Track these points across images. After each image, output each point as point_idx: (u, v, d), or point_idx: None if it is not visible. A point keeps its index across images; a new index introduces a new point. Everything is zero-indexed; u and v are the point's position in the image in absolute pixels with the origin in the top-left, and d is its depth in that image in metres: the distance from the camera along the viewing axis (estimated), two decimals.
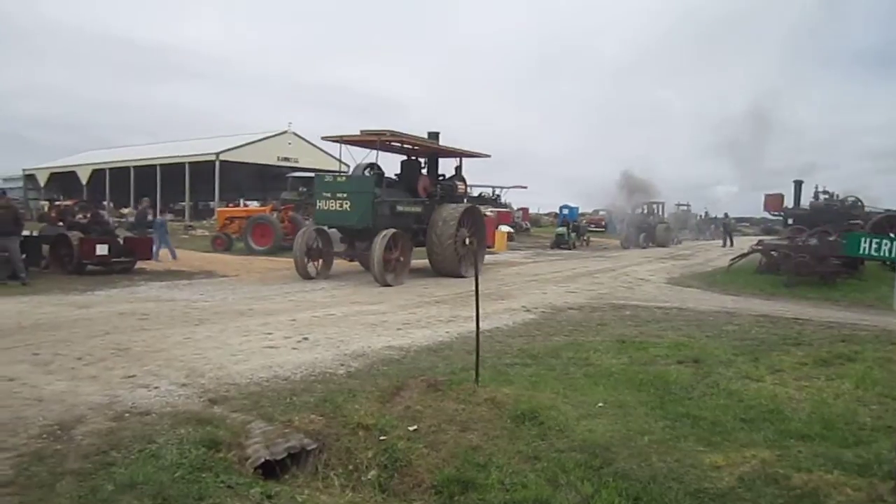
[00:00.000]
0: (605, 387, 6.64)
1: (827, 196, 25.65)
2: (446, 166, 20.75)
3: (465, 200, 38.91)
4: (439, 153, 19.96)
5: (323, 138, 18.55)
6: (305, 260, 16.50)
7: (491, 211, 37.21)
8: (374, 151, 17.50)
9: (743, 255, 21.85)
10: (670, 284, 18.30)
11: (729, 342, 9.25)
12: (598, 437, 5.18)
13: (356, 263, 18.22)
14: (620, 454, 4.93)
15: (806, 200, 25.88)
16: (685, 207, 56.34)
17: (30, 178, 64.70)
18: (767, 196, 27.07)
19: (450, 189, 19.88)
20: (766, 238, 28.00)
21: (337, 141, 17.85)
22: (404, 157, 19.49)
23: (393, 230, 15.93)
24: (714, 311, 12.50)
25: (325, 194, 16.62)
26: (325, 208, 16.61)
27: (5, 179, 71.96)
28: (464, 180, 20.85)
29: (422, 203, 18.48)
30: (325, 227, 17.33)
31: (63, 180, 60.69)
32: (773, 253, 20.05)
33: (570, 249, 33.70)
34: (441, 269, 18.05)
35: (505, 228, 38.78)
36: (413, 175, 18.96)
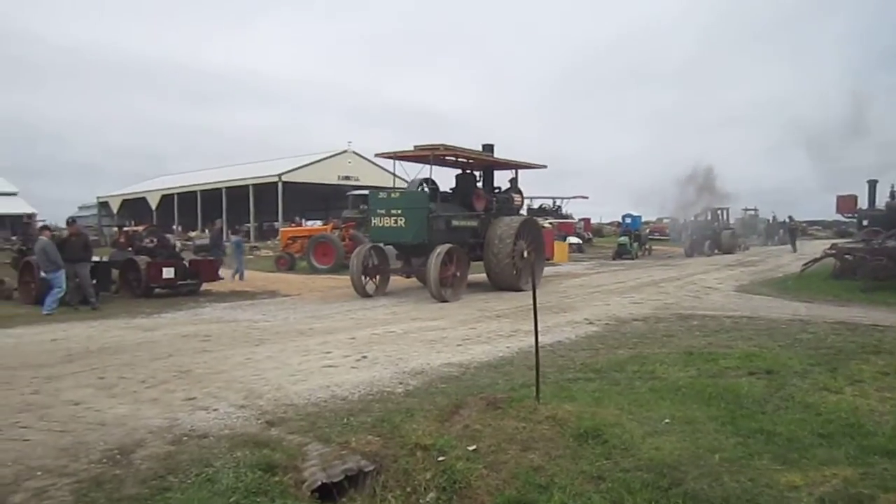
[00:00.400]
0: (672, 401, 6.37)
1: None
2: (504, 179, 20.57)
3: (526, 212, 38.74)
4: (494, 166, 19.68)
5: (377, 155, 18.58)
6: (362, 278, 16.43)
7: (550, 222, 36.95)
8: (429, 166, 17.43)
9: (816, 260, 21.04)
10: (739, 292, 17.71)
11: (804, 351, 8.82)
12: (665, 456, 4.94)
13: (414, 279, 18.15)
14: (690, 474, 4.68)
15: (881, 200, 24.79)
16: (752, 212, 54.77)
17: (104, 205, 67.22)
18: (840, 197, 26.04)
19: (506, 202, 19.56)
20: (840, 241, 26.85)
21: (391, 157, 17.82)
22: (459, 171, 19.42)
23: (449, 245, 15.78)
24: (787, 320, 12.00)
25: (379, 211, 16.58)
26: (380, 225, 16.55)
27: (81, 207, 75.01)
28: (520, 192, 20.59)
29: (478, 217, 18.19)
30: (382, 245, 17.27)
31: (134, 206, 62.84)
32: (847, 257, 19.24)
33: (632, 259, 32.90)
34: (499, 283, 17.72)
35: (574, 240, 38.54)
36: (468, 189, 18.71)
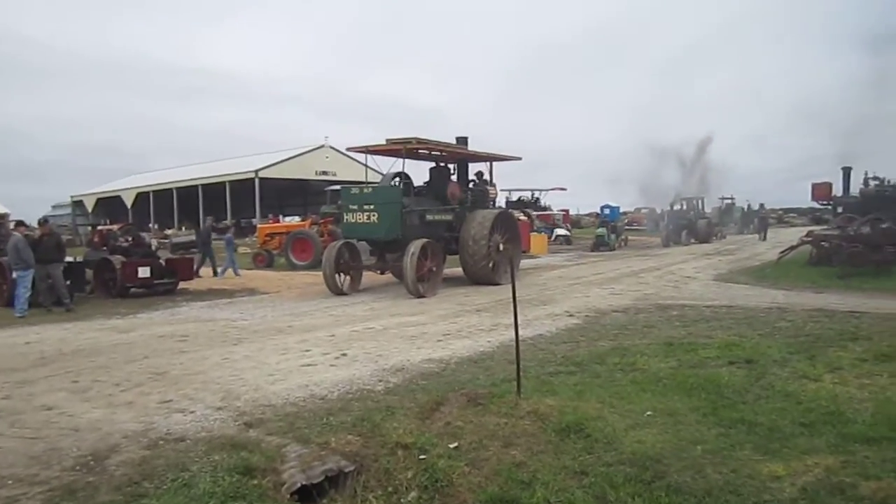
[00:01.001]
0: (653, 393, 6.36)
1: (877, 182, 24.79)
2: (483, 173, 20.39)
3: (505, 205, 38.54)
4: (468, 158, 19.46)
5: (348, 149, 18.27)
6: (335, 274, 16.16)
7: (530, 214, 37.02)
8: (403, 160, 17.13)
9: (793, 248, 21.22)
10: (718, 281, 17.83)
11: (783, 340, 8.88)
12: (647, 449, 4.92)
13: (389, 275, 17.92)
14: (672, 466, 4.66)
15: (855, 188, 25.06)
16: (729, 200, 55.16)
17: (78, 204, 66.36)
18: (815, 185, 26.31)
19: (481, 195, 19.38)
20: (816, 229, 27.12)
21: (363, 151, 17.64)
22: (433, 165, 19.16)
23: (424, 240, 15.61)
24: (765, 308, 12.07)
25: (351, 206, 16.30)
26: (353, 221, 16.28)
27: (55, 206, 74.02)
28: (493, 185, 20.52)
29: (452, 211, 18.02)
30: (355, 240, 17.14)
31: (109, 205, 62.11)
32: (823, 244, 19.42)
33: (611, 250, 32.65)
34: (475, 277, 17.52)
35: (561, 231, 38.65)
36: (442, 182, 18.45)
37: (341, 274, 16.57)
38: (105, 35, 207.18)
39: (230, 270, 21.40)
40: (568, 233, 39.86)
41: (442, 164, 18.98)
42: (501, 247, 17.74)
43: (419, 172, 19.02)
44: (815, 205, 29.78)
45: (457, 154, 18.69)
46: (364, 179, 19.11)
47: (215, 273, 21.66)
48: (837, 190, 25.35)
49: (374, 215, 15.88)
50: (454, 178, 19.03)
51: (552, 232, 39.33)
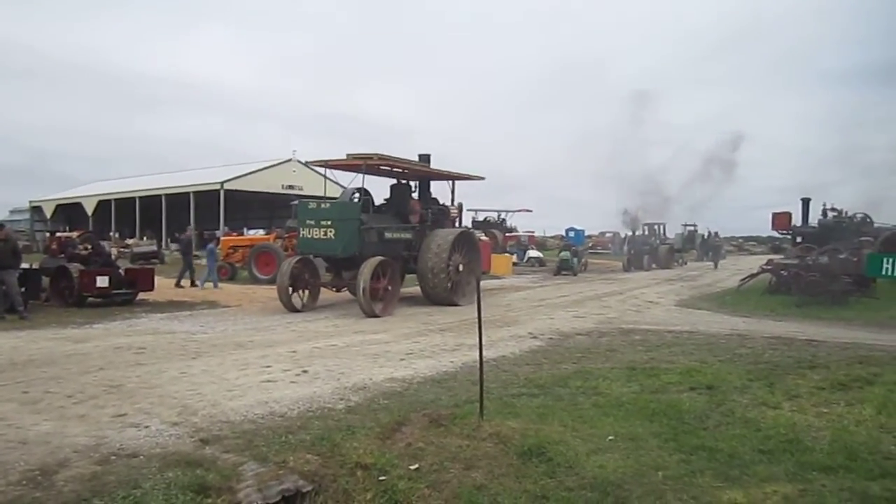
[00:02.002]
0: (615, 418, 6.37)
1: (835, 213, 25.35)
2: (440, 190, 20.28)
3: (471, 225, 38.43)
4: (430, 176, 19.23)
5: (308, 163, 17.94)
6: (290, 291, 15.72)
7: (491, 234, 37.10)
8: (363, 176, 16.90)
9: (753, 276, 21.58)
10: (679, 307, 18.04)
11: (742, 366, 8.97)
12: (609, 474, 4.91)
13: (348, 293, 17.64)
14: (634, 492, 4.66)
15: (814, 218, 25.57)
16: (692, 227, 55.93)
17: (36, 209, 64.90)
18: (775, 214, 26.75)
19: (442, 213, 19.16)
20: (776, 257, 27.61)
21: (322, 165, 17.24)
22: (394, 182, 18.91)
23: (380, 258, 15.27)
24: (725, 334, 12.22)
25: (308, 222, 15.91)
26: (309, 236, 15.90)
27: (12, 211, 72.38)
28: (460, 205, 20.50)
29: (412, 229, 17.72)
30: (311, 256, 16.71)
31: (69, 211, 60.86)
32: (783, 272, 19.76)
33: (574, 275, 31.60)
34: (433, 298, 17.21)
35: (534, 254, 38.52)
36: (403, 200, 18.20)
37: (298, 290, 16.26)
38: (70, 38, 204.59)
39: (209, 283, 21.27)
40: (541, 255, 39.81)
41: (403, 182, 18.81)
42: (461, 267, 17.51)
43: (382, 189, 18.78)
44: (776, 234, 30.21)
45: (418, 172, 18.44)
46: (332, 195, 18.76)
47: (193, 283, 21.47)
48: (797, 220, 25.83)
49: (330, 231, 15.57)
50: (415, 195, 18.80)
51: (524, 254, 39.39)
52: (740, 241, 78.17)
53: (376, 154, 16.06)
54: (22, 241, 41.79)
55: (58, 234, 32.77)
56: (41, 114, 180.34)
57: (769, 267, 21.20)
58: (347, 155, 16.57)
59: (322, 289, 17.05)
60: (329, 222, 15.62)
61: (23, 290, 14.28)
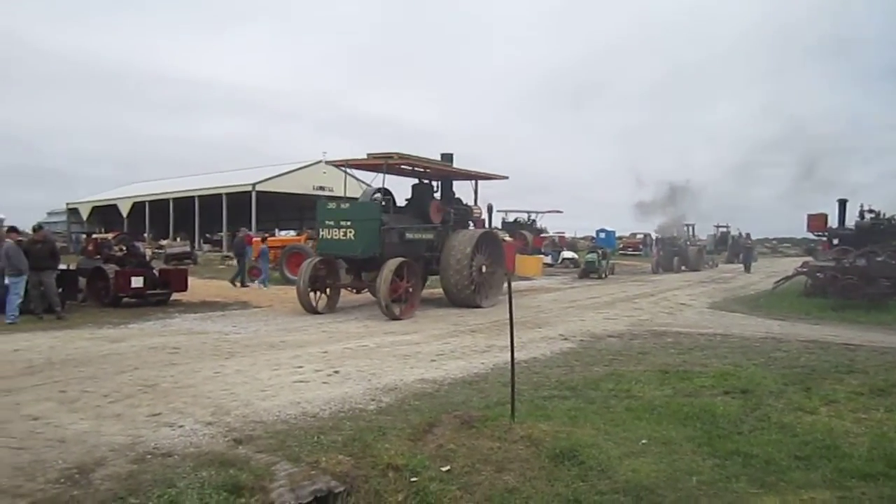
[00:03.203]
0: (648, 421, 6.30)
1: (873, 215, 24.86)
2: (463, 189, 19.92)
3: (501, 226, 38.06)
4: (453, 176, 18.85)
5: (328, 162, 17.60)
6: (309, 291, 15.44)
7: (521, 235, 36.91)
8: (383, 175, 16.54)
9: (788, 278, 21.25)
10: (712, 309, 17.82)
11: (778, 370, 8.84)
12: (642, 478, 4.86)
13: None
14: (667, 497, 4.61)
15: (851, 220, 25.10)
16: (724, 229, 55.29)
17: (73, 211, 66.02)
18: (810, 216, 26.30)
19: (465, 214, 18.84)
20: (811, 259, 27.15)
21: (342, 165, 17.16)
22: (416, 182, 18.60)
23: (401, 259, 15.01)
24: (760, 338, 12.05)
25: (328, 222, 15.67)
26: (329, 237, 15.66)
27: (49, 213, 73.72)
28: (489, 207, 20.26)
29: (434, 229, 17.34)
30: (332, 257, 16.38)
31: (105, 213, 61.83)
32: (819, 275, 19.42)
33: (600, 278, 30.47)
34: (455, 299, 16.92)
35: (568, 254, 38.08)
36: (424, 200, 17.82)
37: (317, 291, 16.00)
38: (105, 43, 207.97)
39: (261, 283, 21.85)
40: (575, 256, 39.33)
41: (425, 181, 18.53)
42: (484, 268, 17.28)
43: (405, 189, 18.47)
44: (811, 235, 29.69)
45: (441, 171, 18.14)
46: (356, 195, 18.57)
47: (244, 284, 22.07)
48: (833, 221, 25.38)
49: (350, 232, 15.32)
50: (437, 195, 18.48)
51: (558, 255, 39.09)
52: (774, 242, 77.09)
53: (397, 153, 15.79)
54: (59, 242, 42.63)
55: (94, 236, 33.30)
56: (77, 117, 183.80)
57: (804, 269, 20.85)
58: (368, 154, 16.41)
59: (343, 290, 16.87)
60: (349, 222, 15.41)
61: (60, 290, 14.56)
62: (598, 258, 31.30)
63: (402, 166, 17.04)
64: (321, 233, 15.98)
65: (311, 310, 15.32)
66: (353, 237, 15.27)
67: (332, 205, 16.37)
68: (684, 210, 41.76)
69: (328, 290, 16.31)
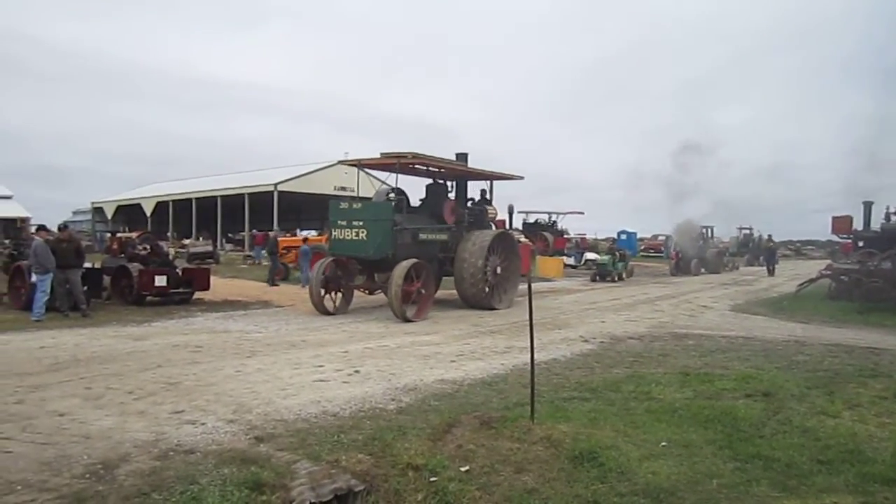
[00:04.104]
0: (668, 424, 6.28)
1: None
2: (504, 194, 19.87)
3: (522, 227, 37.64)
4: (467, 176, 18.59)
5: (340, 162, 17.32)
6: (322, 293, 15.28)
7: (541, 235, 36.69)
8: (397, 175, 16.51)
9: (811, 280, 21.03)
10: (734, 312, 17.68)
11: (801, 374, 8.77)
12: (662, 481, 4.85)
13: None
14: (687, 499, 4.60)
15: (876, 222, 24.77)
16: (747, 231, 54.74)
17: (98, 210, 66.87)
18: (835, 218, 25.99)
19: (479, 214, 18.57)
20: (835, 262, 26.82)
21: (355, 164, 16.91)
22: (430, 181, 18.38)
23: (414, 260, 14.77)
24: (783, 341, 11.95)
25: (340, 222, 15.46)
26: (340, 237, 15.45)
27: (75, 212, 74.75)
28: (510, 208, 20.02)
29: (448, 230, 17.14)
30: (345, 258, 16.08)
31: (129, 212, 62.56)
32: (843, 278, 19.21)
33: (613, 281, 29.44)
34: (470, 301, 16.68)
35: (591, 256, 37.50)
36: (438, 200, 17.61)
37: (330, 292, 15.84)
38: (128, 45, 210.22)
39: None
40: (598, 257, 38.84)
41: (440, 181, 18.29)
42: (499, 270, 17.11)
43: (421, 190, 18.29)
44: (835, 238, 29.33)
45: (455, 171, 17.87)
46: (372, 195, 18.38)
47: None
48: (858, 224, 25.06)
49: (362, 232, 15.10)
50: (452, 195, 18.22)
51: (581, 256, 38.81)
52: (798, 244, 76.28)
53: (410, 152, 15.63)
54: (84, 241, 43.18)
55: (118, 235, 33.65)
56: (101, 117, 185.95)
57: (828, 272, 20.62)
58: (381, 154, 16.24)
59: (358, 291, 16.69)
60: (361, 223, 15.18)
61: (85, 288, 14.74)
62: (612, 260, 30.39)
63: (417, 166, 16.86)
64: (333, 233, 15.79)
65: (324, 311, 15.17)
66: (365, 237, 15.08)
67: (344, 204, 16.10)
68: (706, 211, 41.08)
69: (341, 290, 16.15)
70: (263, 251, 33.99)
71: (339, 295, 16.11)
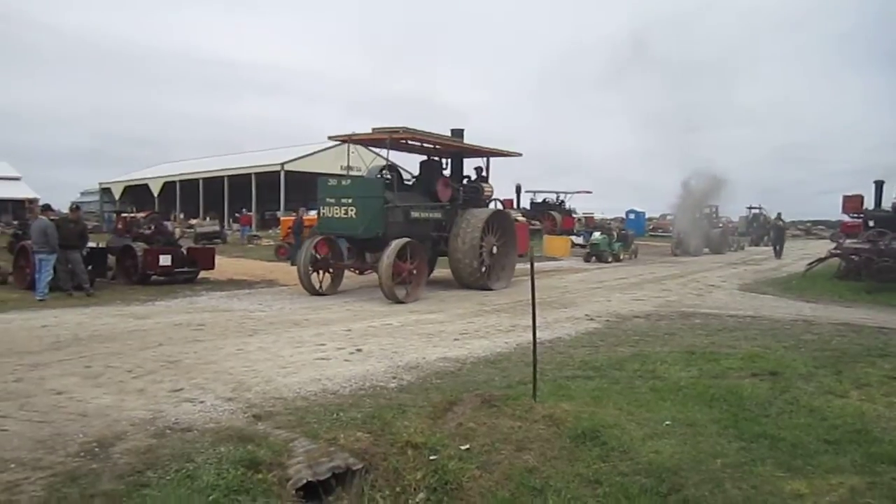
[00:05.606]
0: (672, 402, 6.19)
1: None
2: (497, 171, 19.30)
3: (530, 207, 37.15)
4: (463, 152, 17.91)
5: (329, 137, 16.69)
6: (310, 271, 14.80)
7: (549, 214, 36.40)
8: (389, 151, 15.96)
9: (821, 260, 20.84)
10: (742, 291, 17.54)
11: (808, 353, 8.65)
12: (665, 460, 4.77)
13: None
14: (690, 479, 4.51)
15: (888, 201, 24.50)
16: (756, 210, 54.33)
17: (106, 191, 67.04)
18: (846, 197, 25.71)
19: (475, 192, 17.90)
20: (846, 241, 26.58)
21: (345, 140, 16.35)
22: (424, 158, 17.79)
23: (405, 239, 14.21)
24: (791, 320, 11.82)
25: (328, 200, 14.95)
26: (329, 215, 14.95)
27: (83, 193, 74.89)
28: (518, 187, 19.59)
29: (442, 208, 16.57)
30: (335, 237, 15.71)
31: (136, 193, 62.73)
32: (853, 257, 19.01)
33: (609, 262, 27.88)
34: (465, 282, 16.22)
35: (598, 236, 36.89)
36: (432, 177, 16.92)
37: (319, 272, 15.42)
38: (136, 26, 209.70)
39: None
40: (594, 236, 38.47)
41: (434, 158, 17.71)
42: (495, 249, 16.70)
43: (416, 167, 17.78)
44: (846, 217, 29.04)
45: (449, 147, 17.22)
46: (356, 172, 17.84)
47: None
48: (869, 203, 24.80)
49: (352, 210, 14.59)
50: (447, 172, 17.54)
51: (590, 235, 38.47)
52: (808, 224, 75.82)
53: (402, 127, 15.07)
54: (91, 221, 43.27)
55: (123, 215, 33.67)
56: (110, 98, 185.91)
57: (838, 251, 20.42)
58: (373, 129, 15.65)
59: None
60: (350, 200, 14.66)
61: (89, 268, 14.73)
62: (607, 240, 28.87)
63: (410, 142, 16.39)
64: (322, 211, 15.28)
65: (314, 291, 14.80)
66: (354, 216, 14.59)
67: (332, 182, 15.54)
68: (710, 194, 40.25)
69: (330, 271, 15.72)
70: (248, 230, 34.24)
71: (328, 275, 15.67)
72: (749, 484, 4.46)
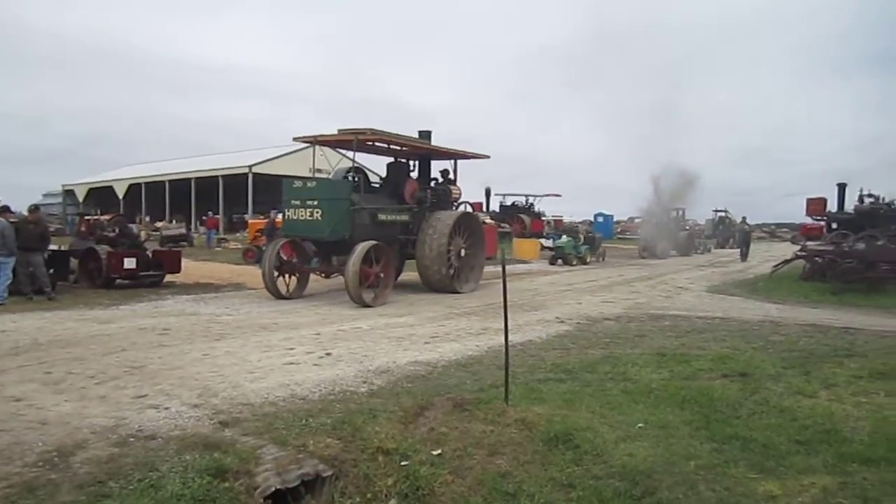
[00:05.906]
0: (644, 405, 6.18)
1: (872, 199, 24.71)
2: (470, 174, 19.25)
3: (499, 210, 37.28)
4: (431, 154, 17.74)
5: (295, 139, 16.39)
6: (275, 275, 14.55)
7: (518, 218, 36.47)
8: (372, 157, 15.83)
9: (786, 262, 21.15)
10: (710, 293, 17.74)
11: (777, 354, 8.73)
12: (638, 463, 4.75)
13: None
14: (664, 482, 4.49)
15: (850, 204, 24.96)
16: (722, 213, 55.09)
17: (69, 193, 65.78)
18: (809, 200, 26.19)
19: (443, 194, 17.59)
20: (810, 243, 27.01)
21: (311, 142, 16.06)
22: (391, 160, 17.63)
23: (372, 242, 13.92)
24: (758, 321, 11.94)
25: (293, 202, 14.65)
26: (294, 217, 14.64)
27: (45, 195, 73.39)
28: (487, 190, 19.62)
29: (409, 211, 16.33)
30: (300, 239, 15.50)
31: (100, 195, 61.59)
32: (817, 259, 19.32)
33: (574, 265, 27.47)
34: (433, 285, 16.06)
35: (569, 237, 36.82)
36: (400, 179, 16.74)
37: (284, 275, 15.14)
38: (102, 23, 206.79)
39: None
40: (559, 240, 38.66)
41: (401, 160, 17.58)
42: (463, 252, 16.56)
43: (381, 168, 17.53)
44: (809, 220, 29.58)
45: (417, 149, 17.11)
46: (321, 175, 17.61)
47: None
48: (832, 206, 25.25)
49: (317, 212, 14.30)
50: (414, 174, 17.50)
51: (560, 238, 38.58)
52: (773, 227, 77.08)
53: (369, 129, 14.87)
54: (54, 224, 42.42)
55: (87, 217, 33.09)
56: (74, 99, 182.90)
57: (804, 253, 20.74)
58: (339, 130, 15.38)
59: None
60: (316, 202, 14.38)
61: (51, 271, 14.37)
62: (571, 243, 28.54)
63: (377, 143, 16.20)
64: (287, 213, 14.97)
65: (279, 295, 14.57)
66: (319, 218, 14.30)
67: (298, 183, 15.22)
68: (680, 193, 40.73)
69: (296, 274, 15.46)
70: (214, 234, 33.85)
71: (294, 279, 15.42)
72: (722, 486, 4.46)
